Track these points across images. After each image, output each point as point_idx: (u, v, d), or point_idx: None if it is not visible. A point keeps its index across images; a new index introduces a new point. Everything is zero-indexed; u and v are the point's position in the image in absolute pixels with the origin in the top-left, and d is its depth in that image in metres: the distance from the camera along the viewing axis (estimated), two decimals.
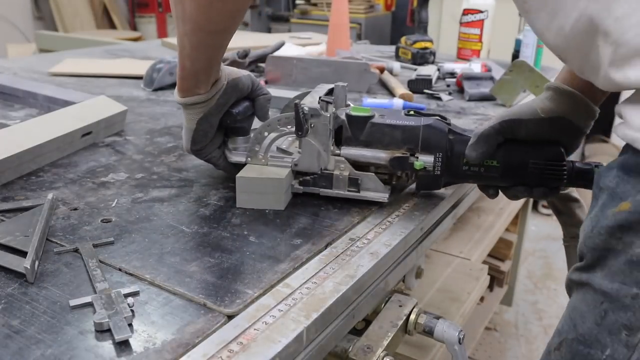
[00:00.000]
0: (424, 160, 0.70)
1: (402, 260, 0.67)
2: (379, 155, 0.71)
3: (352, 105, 0.75)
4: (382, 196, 0.71)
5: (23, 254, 0.55)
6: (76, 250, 0.59)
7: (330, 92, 0.77)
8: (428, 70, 1.44)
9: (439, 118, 0.71)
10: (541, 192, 0.68)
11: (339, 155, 0.72)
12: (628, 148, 0.47)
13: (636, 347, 0.44)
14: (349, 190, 0.72)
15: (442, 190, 0.78)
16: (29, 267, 0.53)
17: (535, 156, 0.67)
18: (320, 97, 0.73)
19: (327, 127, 0.70)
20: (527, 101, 0.69)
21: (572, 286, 0.53)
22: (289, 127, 0.73)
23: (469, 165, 0.69)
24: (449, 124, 0.71)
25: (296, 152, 0.73)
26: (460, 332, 0.70)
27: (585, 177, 0.67)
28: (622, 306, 0.45)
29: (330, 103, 0.73)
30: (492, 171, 0.68)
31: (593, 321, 0.47)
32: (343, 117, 0.71)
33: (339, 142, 0.73)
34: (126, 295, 0.50)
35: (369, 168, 0.73)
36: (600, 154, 2.86)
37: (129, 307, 0.49)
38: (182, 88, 0.70)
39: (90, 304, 0.50)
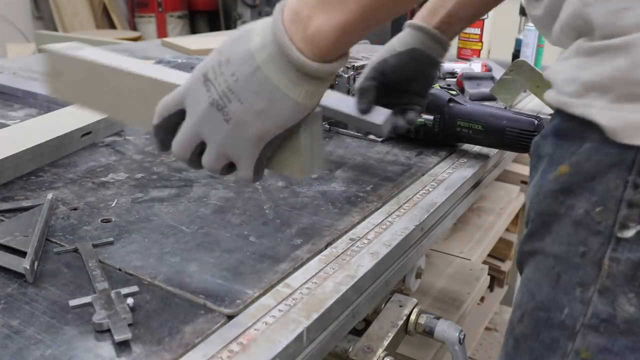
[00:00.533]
0: (426, 118, 0.91)
1: (402, 260, 0.67)
2: None
3: None
4: (379, 138, 0.96)
5: (22, 254, 0.55)
6: (76, 251, 0.59)
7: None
8: None
9: (447, 89, 0.91)
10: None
11: None
12: (558, 113, 0.49)
13: (590, 300, 0.45)
14: (357, 132, 0.96)
15: (442, 190, 0.78)
16: (28, 268, 0.53)
17: (512, 124, 0.84)
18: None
19: (345, 84, 0.98)
20: (391, 41, 0.77)
21: (523, 259, 0.54)
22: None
23: (461, 127, 0.88)
24: (454, 95, 0.90)
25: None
26: (461, 332, 0.70)
27: None
28: (572, 265, 0.46)
29: (349, 68, 0.97)
30: (478, 133, 0.87)
31: (549, 286, 0.48)
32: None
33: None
34: (126, 296, 0.50)
35: None
36: None
37: (129, 307, 0.49)
38: (332, 35, 0.43)
39: (90, 304, 0.49)
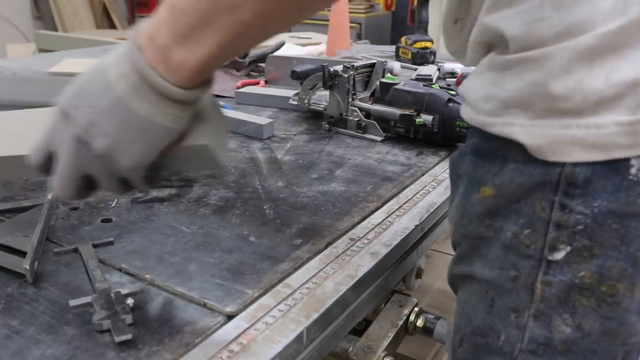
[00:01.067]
0: (425, 118, 0.91)
1: (402, 260, 0.67)
2: (395, 112, 0.94)
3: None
4: (378, 138, 0.97)
5: (22, 254, 0.55)
6: (76, 250, 0.59)
7: (372, 65, 1.04)
8: (428, 70, 1.44)
9: (447, 89, 0.93)
10: None
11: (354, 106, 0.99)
12: (476, 131, 0.47)
13: (526, 325, 0.44)
14: (357, 132, 0.99)
15: (442, 190, 0.78)
16: (28, 268, 0.53)
17: None
18: (344, 64, 0.98)
19: (345, 84, 0.97)
20: None
21: (455, 281, 0.53)
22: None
23: (460, 127, 0.89)
24: (453, 95, 0.91)
25: (325, 101, 1.03)
26: None
27: None
28: (505, 290, 0.45)
29: (349, 68, 0.97)
30: None
31: (484, 311, 0.47)
32: (377, 82, 0.99)
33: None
34: (126, 296, 0.50)
35: (390, 122, 0.96)
36: None
37: (129, 307, 0.48)
38: (194, 67, 0.43)
39: (90, 304, 0.49)
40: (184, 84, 0.43)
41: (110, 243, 0.60)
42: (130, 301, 0.49)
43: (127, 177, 0.47)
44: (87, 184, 0.48)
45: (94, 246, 0.59)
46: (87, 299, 0.49)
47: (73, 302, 0.49)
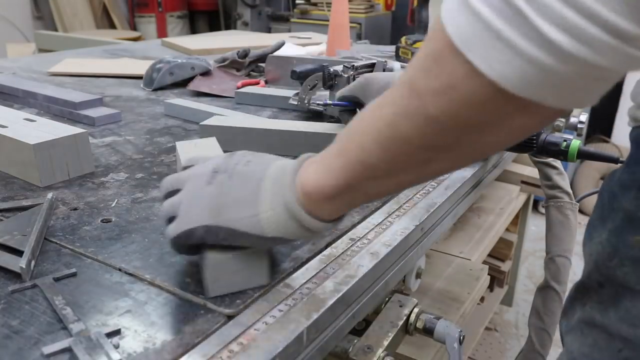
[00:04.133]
0: None
1: (402, 260, 0.67)
2: None
3: None
4: None
5: (20, 253, 0.55)
6: (34, 287, 0.52)
7: (372, 65, 1.03)
8: None
9: None
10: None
11: None
12: None
13: None
14: None
15: (442, 190, 0.78)
16: (24, 267, 0.53)
17: None
18: (344, 64, 0.99)
19: (345, 84, 0.95)
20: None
21: (573, 323, 0.47)
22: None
23: None
24: None
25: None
26: (460, 333, 0.70)
27: (552, 148, 0.80)
28: None
29: (349, 68, 0.97)
30: None
31: None
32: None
33: None
34: (108, 335, 0.45)
35: None
36: None
37: (115, 348, 0.44)
38: (337, 198, 0.44)
39: (68, 350, 0.44)
40: (306, 204, 0.45)
41: (73, 275, 0.55)
42: (115, 342, 0.45)
43: (184, 221, 0.49)
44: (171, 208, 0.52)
45: (56, 280, 0.53)
46: (63, 344, 0.44)
47: (47, 350, 0.44)
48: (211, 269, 0.50)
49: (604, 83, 0.32)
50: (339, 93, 0.89)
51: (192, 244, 0.50)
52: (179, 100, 1.14)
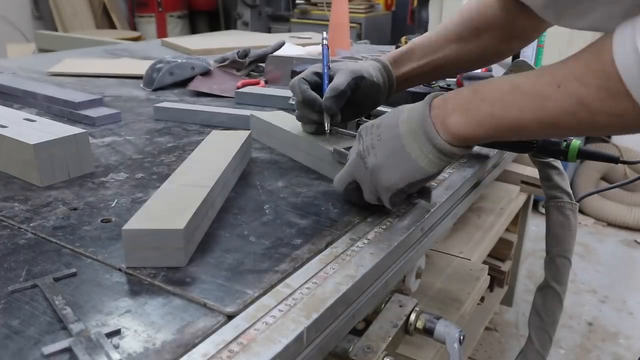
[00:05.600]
0: None
1: (402, 260, 0.67)
2: None
3: None
4: None
5: None
6: (34, 287, 0.52)
7: None
8: None
9: (447, 90, 0.95)
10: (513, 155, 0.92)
11: None
12: None
13: None
14: (357, 132, 1.03)
15: (442, 190, 0.78)
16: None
17: None
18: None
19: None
20: (362, 62, 0.83)
21: None
22: None
23: None
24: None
25: None
26: (460, 333, 0.70)
27: (552, 148, 0.80)
28: None
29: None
30: None
31: None
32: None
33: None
34: (108, 335, 0.45)
35: None
36: None
37: (115, 348, 0.44)
38: (463, 135, 0.58)
39: (68, 350, 0.44)
40: (452, 141, 0.59)
41: (73, 275, 0.55)
42: (115, 342, 0.45)
43: (380, 193, 0.64)
44: (355, 187, 0.67)
45: (56, 280, 0.53)
46: (64, 344, 0.44)
47: (47, 350, 0.44)
48: (127, 238, 0.54)
49: None
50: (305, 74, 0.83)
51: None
52: (166, 103, 1.10)
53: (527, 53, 1.50)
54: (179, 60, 1.33)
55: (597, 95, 0.48)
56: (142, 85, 1.34)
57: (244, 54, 1.43)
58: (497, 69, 1.42)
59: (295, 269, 0.57)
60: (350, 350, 0.65)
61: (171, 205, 0.59)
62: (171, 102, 1.15)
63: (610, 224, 2.76)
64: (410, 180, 0.61)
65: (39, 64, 1.56)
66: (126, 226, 0.54)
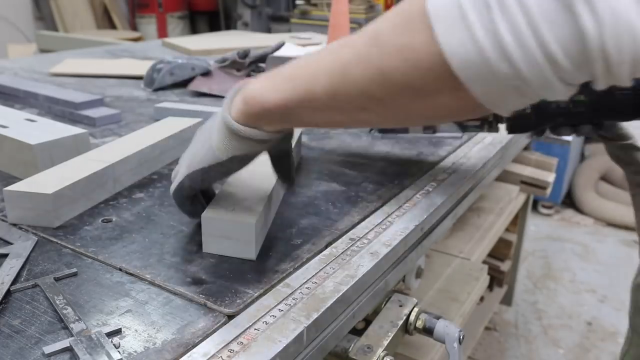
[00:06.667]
0: None
1: (402, 260, 0.68)
2: None
3: None
4: (457, 135, 0.92)
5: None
6: (35, 286, 0.53)
7: None
8: None
9: None
10: (587, 130, 0.73)
11: None
12: None
13: None
14: (425, 132, 0.92)
15: (442, 190, 0.78)
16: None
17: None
18: None
19: None
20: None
21: None
22: None
23: (557, 102, 0.72)
24: None
25: None
26: (460, 332, 0.70)
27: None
28: None
29: None
30: (580, 106, 0.71)
31: None
32: None
33: None
34: (108, 335, 0.45)
35: None
36: (601, 153, 2.86)
37: (116, 348, 0.44)
38: (259, 114, 0.50)
39: (69, 349, 0.44)
40: (238, 119, 0.52)
41: (74, 274, 0.55)
42: (116, 342, 0.45)
43: (183, 183, 0.57)
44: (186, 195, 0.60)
45: (57, 279, 0.54)
46: (64, 343, 0.44)
47: (48, 349, 0.44)
48: (206, 224, 0.58)
49: (520, 97, 0.37)
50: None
51: (190, 200, 0.59)
52: (167, 103, 1.10)
53: None
54: (180, 61, 1.33)
55: (393, 30, 0.40)
56: (142, 86, 1.35)
57: (244, 54, 1.43)
58: None
59: (295, 269, 0.57)
60: (350, 350, 0.65)
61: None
62: (172, 102, 1.15)
63: (610, 224, 2.77)
64: (204, 164, 0.54)
65: (40, 65, 1.57)
66: (205, 212, 0.58)
